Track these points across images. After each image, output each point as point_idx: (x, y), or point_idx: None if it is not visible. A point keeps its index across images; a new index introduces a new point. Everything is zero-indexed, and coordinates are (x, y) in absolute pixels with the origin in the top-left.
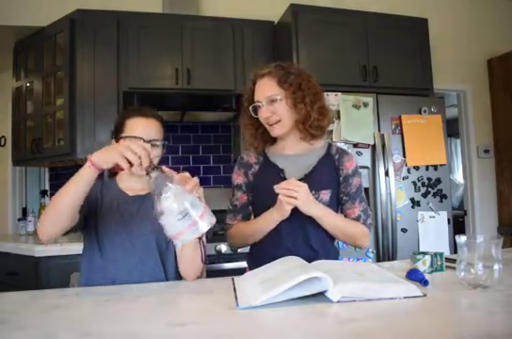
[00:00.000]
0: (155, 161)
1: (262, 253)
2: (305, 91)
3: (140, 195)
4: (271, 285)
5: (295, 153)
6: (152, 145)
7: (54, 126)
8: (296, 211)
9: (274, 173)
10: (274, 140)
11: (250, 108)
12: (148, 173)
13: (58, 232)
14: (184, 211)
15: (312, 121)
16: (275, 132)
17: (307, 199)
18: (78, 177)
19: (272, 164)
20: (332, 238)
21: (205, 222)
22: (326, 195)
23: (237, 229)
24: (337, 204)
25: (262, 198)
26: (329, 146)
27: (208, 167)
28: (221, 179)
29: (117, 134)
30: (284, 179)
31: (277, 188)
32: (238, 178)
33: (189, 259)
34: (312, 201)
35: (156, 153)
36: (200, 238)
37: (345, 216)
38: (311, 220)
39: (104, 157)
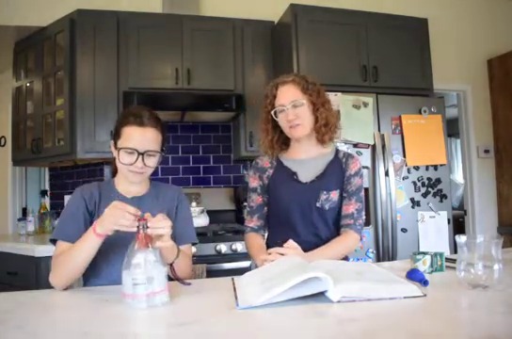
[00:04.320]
0: (150, 171)
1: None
2: (323, 98)
3: (138, 196)
4: (271, 285)
5: (306, 157)
6: (148, 155)
7: (54, 126)
8: (307, 210)
9: (288, 176)
10: (287, 147)
11: (272, 113)
12: (138, 228)
13: (73, 281)
14: (147, 279)
15: (332, 125)
16: (296, 134)
17: (301, 255)
18: (86, 244)
19: (285, 168)
20: (337, 229)
21: (159, 299)
22: (335, 195)
23: (247, 242)
24: (341, 202)
25: (277, 199)
26: (337, 151)
27: (208, 167)
28: (221, 179)
29: (115, 137)
30: (297, 181)
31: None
32: (254, 182)
33: (180, 266)
34: (307, 255)
35: (151, 164)
36: (170, 265)
37: (340, 212)
38: (319, 218)
39: (105, 228)
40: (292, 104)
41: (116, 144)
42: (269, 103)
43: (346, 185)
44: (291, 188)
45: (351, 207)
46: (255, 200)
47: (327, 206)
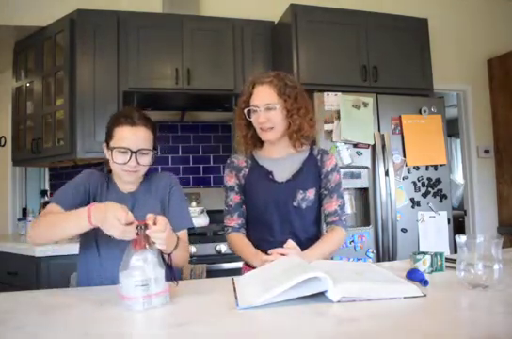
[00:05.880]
0: (144, 170)
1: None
2: (300, 104)
3: (132, 192)
4: (271, 285)
5: (281, 156)
6: (141, 153)
7: (54, 126)
8: (284, 209)
9: (263, 176)
10: (262, 144)
11: (245, 111)
12: (138, 231)
13: (49, 241)
14: (147, 280)
15: (304, 132)
16: (267, 137)
17: (299, 255)
18: (77, 223)
19: (261, 167)
20: (317, 229)
21: (159, 300)
22: (312, 193)
23: (232, 242)
24: (319, 200)
25: (253, 199)
26: (312, 148)
27: (208, 167)
28: (221, 179)
29: (107, 138)
30: (273, 181)
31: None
32: (230, 180)
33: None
34: (305, 255)
35: (145, 162)
36: (168, 255)
37: (323, 210)
38: (296, 217)
39: (101, 225)
40: (265, 107)
41: (108, 145)
42: (244, 100)
43: (325, 182)
44: (267, 188)
45: (333, 204)
46: (233, 198)
47: (303, 205)
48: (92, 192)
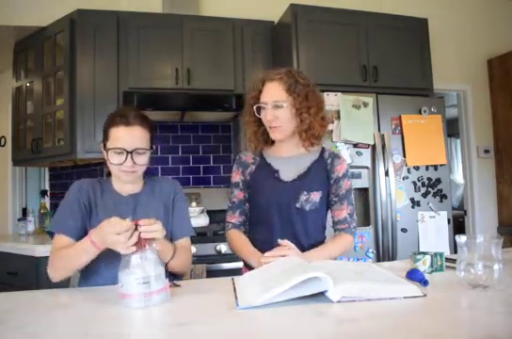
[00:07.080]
0: (142, 169)
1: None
2: (310, 102)
3: (133, 194)
4: (271, 285)
5: (290, 155)
6: (137, 153)
7: (54, 126)
8: (286, 210)
9: (269, 174)
10: (273, 141)
11: (254, 108)
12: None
13: (71, 275)
14: (148, 278)
15: (315, 131)
16: (275, 135)
17: (299, 255)
18: (86, 251)
19: (268, 165)
20: (321, 235)
21: (159, 298)
22: (316, 196)
23: (231, 239)
24: (326, 205)
25: (257, 197)
26: (323, 150)
27: (208, 167)
28: (221, 179)
29: (104, 139)
30: (279, 179)
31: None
32: (236, 176)
33: (180, 261)
34: (305, 256)
35: (141, 162)
36: (165, 264)
37: (332, 217)
38: (298, 218)
39: (107, 245)
40: (273, 105)
41: (105, 146)
42: (254, 96)
43: (336, 188)
44: (271, 187)
45: (344, 212)
46: (237, 195)
47: (307, 207)
48: (87, 203)
